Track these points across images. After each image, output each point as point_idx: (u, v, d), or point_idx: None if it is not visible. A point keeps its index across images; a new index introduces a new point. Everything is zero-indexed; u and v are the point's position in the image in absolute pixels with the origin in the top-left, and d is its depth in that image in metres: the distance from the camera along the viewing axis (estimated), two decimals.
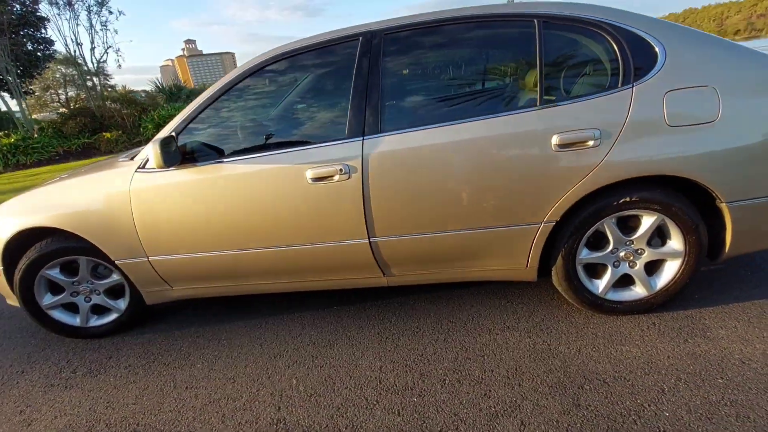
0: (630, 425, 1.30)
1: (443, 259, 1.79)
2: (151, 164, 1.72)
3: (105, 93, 12.67)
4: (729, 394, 1.36)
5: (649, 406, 1.36)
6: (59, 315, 2.17)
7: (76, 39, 14.24)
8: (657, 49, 1.52)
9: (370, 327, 1.99)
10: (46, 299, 2.13)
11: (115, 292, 2.19)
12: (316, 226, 1.76)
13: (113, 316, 2.20)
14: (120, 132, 9.79)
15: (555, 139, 1.53)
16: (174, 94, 13.99)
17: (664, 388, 1.42)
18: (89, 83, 13.59)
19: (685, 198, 1.59)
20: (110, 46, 14.67)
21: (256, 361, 1.86)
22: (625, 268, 1.74)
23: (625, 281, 1.78)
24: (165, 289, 2.08)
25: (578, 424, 1.33)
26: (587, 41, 1.61)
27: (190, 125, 1.83)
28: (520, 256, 1.73)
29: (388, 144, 1.64)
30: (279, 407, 1.57)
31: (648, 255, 1.70)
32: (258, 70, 1.80)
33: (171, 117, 10.68)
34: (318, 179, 1.69)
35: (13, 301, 2.24)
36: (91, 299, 2.17)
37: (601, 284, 1.76)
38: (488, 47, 1.74)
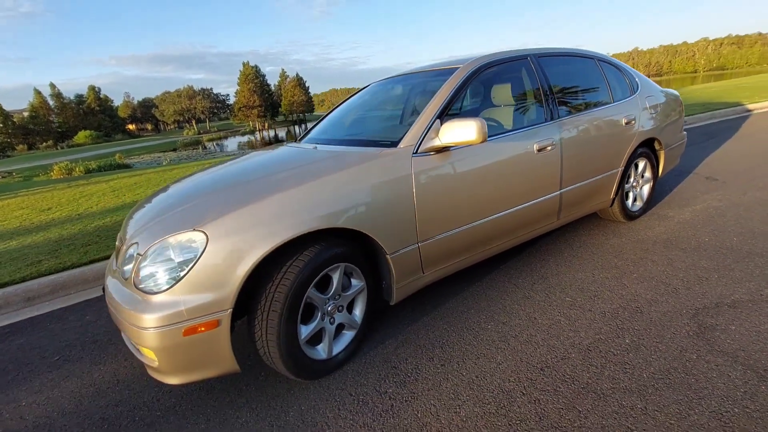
0: (676, 245, 2.67)
1: (586, 199, 2.75)
2: (467, 139, 1.86)
3: None
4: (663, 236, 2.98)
5: (686, 239, 2.78)
6: (310, 351, 1.71)
7: None
8: (638, 81, 3.11)
9: (544, 267, 2.66)
10: (303, 332, 1.66)
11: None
12: (537, 185, 2.38)
13: (351, 335, 1.91)
14: None
15: (623, 120, 2.84)
16: None
17: (670, 238, 2.89)
18: None
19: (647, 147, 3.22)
20: None
21: (515, 308, 2.21)
22: (636, 191, 3.23)
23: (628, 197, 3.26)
24: (417, 278, 2.05)
25: (690, 251, 2.59)
26: (614, 73, 3.03)
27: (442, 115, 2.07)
28: (610, 191, 2.92)
29: (567, 124, 2.51)
30: (589, 309, 2.09)
31: (641, 182, 3.25)
32: (477, 73, 2.27)
33: None
34: (540, 150, 2.34)
35: (182, 376, 1.55)
36: (334, 320, 1.83)
37: (630, 201, 3.18)
38: (580, 72, 2.89)
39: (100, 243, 3.82)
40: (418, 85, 2.70)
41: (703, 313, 1.97)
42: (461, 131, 1.88)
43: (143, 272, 1.53)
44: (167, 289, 1.47)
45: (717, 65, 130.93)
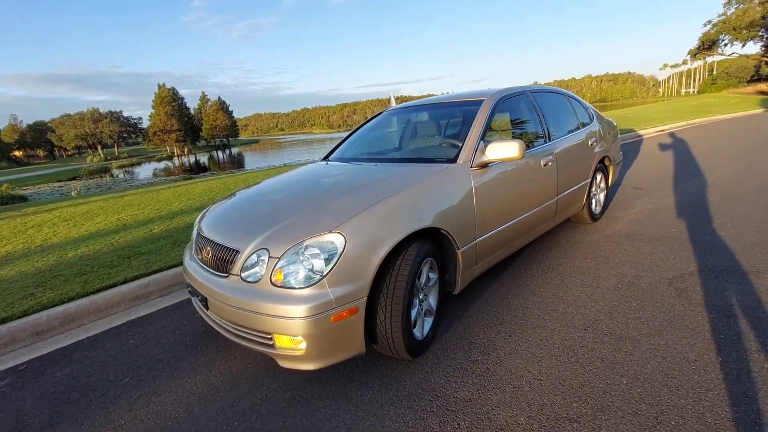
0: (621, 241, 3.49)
1: (570, 204, 3.43)
2: (511, 155, 2.35)
3: None
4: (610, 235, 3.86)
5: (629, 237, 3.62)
6: (413, 333, 2.03)
7: None
8: (592, 111, 3.97)
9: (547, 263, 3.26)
10: (412, 316, 1.99)
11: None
12: (545, 192, 2.98)
13: (430, 320, 2.26)
14: None
15: (590, 142, 3.63)
16: None
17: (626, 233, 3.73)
18: None
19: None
20: None
21: (541, 291, 2.74)
22: (596, 198, 4.04)
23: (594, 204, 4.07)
24: (472, 270, 2.47)
25: (647, 241, 3.39)
26: (578, 105, 3.84)
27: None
28: (583, 198, 3.66)
29: (559, 143, 3.19)
30: (597, 286, 2.69)
31: (598, 191, 4.08)
32: (498, 103, 2.84)
33: None
34: (545, 164, 2.97)
35: (323, 360, 1.79)
36: (423, 306, 2.17)
37: (593, 206, 3.98)
38: (558, 104, 3.61)
39: (98, 271, 3.64)
40: (445, 112, 3.21)
41: (675, 281, 2.68)
42: (505, 150, 2.40)
43: (285, 271, 1.75)
44: (315, 283, 1.71)
45: (599, 98, 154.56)
